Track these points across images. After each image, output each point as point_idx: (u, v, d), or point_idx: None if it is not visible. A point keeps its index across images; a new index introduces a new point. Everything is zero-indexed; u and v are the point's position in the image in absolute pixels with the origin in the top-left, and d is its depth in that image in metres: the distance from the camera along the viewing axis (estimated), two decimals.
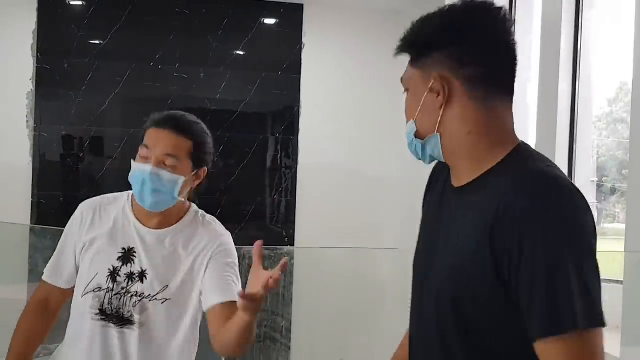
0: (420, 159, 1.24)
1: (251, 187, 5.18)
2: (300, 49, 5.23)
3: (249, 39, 5.13)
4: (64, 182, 4.89)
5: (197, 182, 1.76)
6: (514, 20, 1.23)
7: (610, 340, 3.10)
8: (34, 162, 4.81)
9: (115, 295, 1.69)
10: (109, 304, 1.68)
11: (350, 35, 5.33)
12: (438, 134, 1.16)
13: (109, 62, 4.92)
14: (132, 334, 1.68)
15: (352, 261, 4.37)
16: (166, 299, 1.70)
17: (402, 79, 1.25)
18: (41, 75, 4.83)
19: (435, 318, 1.16)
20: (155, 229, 1.74)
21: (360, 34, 5.34)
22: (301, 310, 4.54)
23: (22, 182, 4.75)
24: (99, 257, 1.72)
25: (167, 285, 1.70)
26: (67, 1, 4.90)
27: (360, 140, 5.26)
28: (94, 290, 1.70)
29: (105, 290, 1.69)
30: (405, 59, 1.24)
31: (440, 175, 1.29)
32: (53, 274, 1.79)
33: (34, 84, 4.82)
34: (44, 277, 1.81)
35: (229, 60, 5.11)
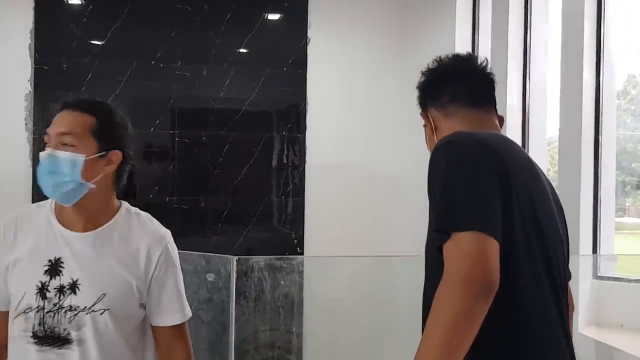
0: None
1: (258, 188, 5.03)
2: (306, 44, 5.07)
3: (253, 34, 4.98)
4: None
5: (109, 168, 1.54)
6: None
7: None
8: (33, 165, 4.68)
9: (47, 313, 1.48)
10: (40, 324, 1.48)
11: (358, 27, 5.18)
12: None
13: (109, 62, 4.78)
14: (73, 355, 1.48)
15: (366, 269, 4.16)
16: (105, 309, 1.49)
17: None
18: (39, 76, 4.70)
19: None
20: (83, 232, 1.54)
21: (367, 26, 5.19)
22: (313, 321, 4.35)
23: (22, 186, 4.61)
24: (24, 274, 1.52)
25: (104, 294, 1.49)
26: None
27: (371, 137, 5.11)
28: (25, 312, 1.49)
29: (36, 309, 1.49)
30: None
31: None
32: None
33: (32, 85, 4.68)
34: None
35: (232, 57, 4.96)
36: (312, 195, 5.07)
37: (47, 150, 1.49)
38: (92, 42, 4.79)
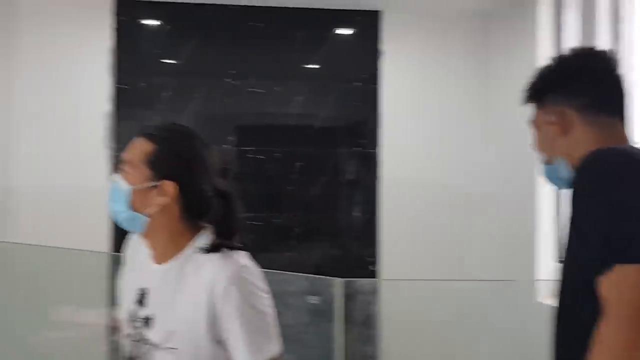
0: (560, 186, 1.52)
1: (329, 205, 4.98)
2: (379, 58, 5.00)
3: (324, 49, 4.96)
4: None
5: (162, 200, 1.45)
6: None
7: None
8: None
9: (134, 342, 1.51)
10: (130, 352, 1.51)
11: (433, 40, 5.07)
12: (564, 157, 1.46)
13: (183, 80, 4.87)
14: None
15: (447, 294, 3.99)
16: (173, 348, 1.44)
17: (531, 122, 1.54)
18: (118, 95, 4.83)
19: None
20: (159, 264, 1.51)
21: (443, 39, 5.07)
22: (392, 344, 4.22)
23: (101, 203, 4.74)
24: (125, 298, 1.58)
25: (173, 331, 1.44)
26: (143, 20, 4.88)
27: (446, 152, 4.98)
28: (125, 335, 1.56)
29: (129, 337, 1.53)
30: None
31: None
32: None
33: (112, 104, 4.82)
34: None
35: (303, 73, 4.96)
36: (386, 213, 4.98)
37: (113, 175, 1.51)
38: (168, 61, 4.89)
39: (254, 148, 4.91)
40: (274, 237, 4.86)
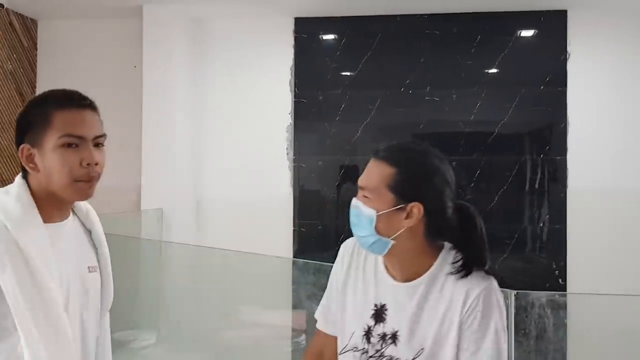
0: None
1: (512, 215, 4.73)
2: (565, 60, 4.69)
3: (505, 53, 4.75)
4: (321, 211, 4.98)
5: (409, 222, 1.40)
6: None
7: None
8: (294, 192, 4.99)
9: (370, 357, 1.47)
10: None
11: (624, 39, 4.67)
12: None
13: (360, 92, 4.94)
14: None
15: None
16: None
17: None
18: (298, 108, 5.02)
19: None
20: (403, 281, 1.46)
21: (635, 37, 4.63)
22: None
23: (285, 212, 4.96)
24: (354, 313, 1.52)
25: (422, 349, 1.41)
26: (320, 35, 5.04)
27: None
28: (352, 350, 1.50)
29: (362, 351, 1.48)
30: None
31: None
32: (324, 322, 1.64)
33: (293, 117, 5.01)
34: (317, 325, 1.66)
35: (483, 79, 4.79)
36: (575, 224, 4.62)
37: (353, 200, 1.47)
38: (345, 73, 4.99)
39: None
40: None
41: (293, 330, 3.85)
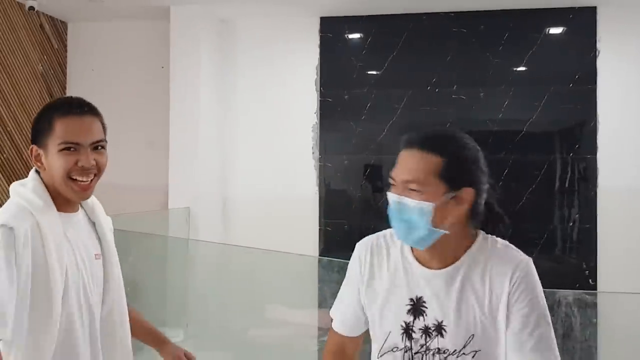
0: None
1: (541, 214, 4.67)
2: (595, 57, 4.62)
3: (533, 51, 4.69)
4: (347, 210, 4.98)
5: (461, 208, 1.38)
6: None
7: None
8: (319, 191, 4.99)
9: (415, 354, 1.42)
10: None
11: None
12: None
13: (386, 90, 4.92)
14: None
15: None
16: (476, 351, 1.37)
17: None
18: (324, 107, 5.02)
19: None
20: (440, 268, 1.42)
21: None
22: None
23: (311, 211, 4.97)
24: (387, 312, 1.47)
25: (472, 335, 1.37)
26: (345, 35, 5.03)
27: None
28: (392, 350, 1.45)
29: (403, 350, 1.43)
30: None
31: None
32: (341, 324, 1.60)
33: (318, 116, 5.02)
34: (333, 326, 1.63)
35: (511, 77, 4.73)
36: (606, 223, 4.54)
37: (394, 197, 1.40)
38: (370, 72, 4.97)
39: None
40: None
41: (319, 329, 3.85)
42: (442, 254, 1.42)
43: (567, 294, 3.43)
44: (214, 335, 4.06)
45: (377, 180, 4.93)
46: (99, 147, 1.60)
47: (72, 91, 5.31)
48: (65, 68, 5.44)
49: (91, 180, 1.58)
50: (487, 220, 1.47)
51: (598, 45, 4.63)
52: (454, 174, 1.37)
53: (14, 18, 4.78)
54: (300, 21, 5.06)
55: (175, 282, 4.43)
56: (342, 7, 4.82)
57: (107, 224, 1.74)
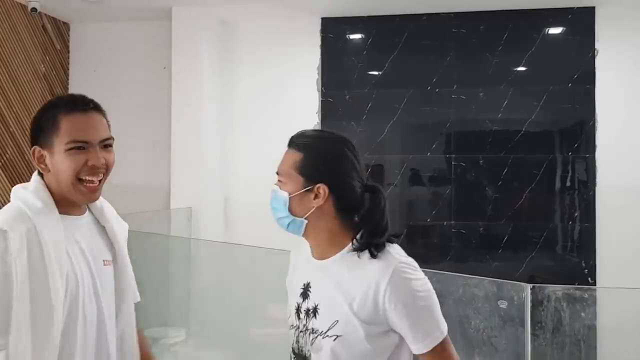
0: None
1: (540, 212, 4.70)
2: (594, 57, 4.65)
3: (532, 51, 4.72)
4: None
5: (317, 202, 1.52)
6: None
7: None
8: None
9: (300, 333, 1.58)
10: (296, 342, 1.59)
11: None
12: None
13: (386, 91, 4.95)
14: None
15: None
16: (337, 336, 1.49)
17: None
18: (326, 108, 5.05)
19: None
20: (321, 259, 1.58)
21: None
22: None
23: None
24: (291, 294, 1.66)
25: (337, 320, 1.49)
26: (346, 35, 5.06)
27: None
28: (290, 328, 1.63)
29: (295, 328, 1.60)
30: None
31: None
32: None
33: (320, 117, 5.05)
34: None
35: (510, 77, 4.76)
36: (605, 221, 4.57)
37: (273, 186, 1.59)
38: (371, 73, 5.00)
39: (458, 155, 4.81)
40: (480, 245, 4.70)
41: None
42: (319, 246, 1.58)
43: (556, 289, 3.45)
44: (216, 335, 4.09)
45: (378, 180, 4.96)
46: (107, 146, 1.54)
47: (74, 92, 5.32)
48: (68, 69, 5.48)
49: (100, 180, 1.53)
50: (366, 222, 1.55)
51: (597, 45, 4.66)
52: (309, 170, 1.54)
53: (17, 19, 4.81)
54: (301, 22, 5.08)
55: (177, 281, 4.46)
56: (343, 7, 4.85)
57: (121, 231, 1.67)
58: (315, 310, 1.55)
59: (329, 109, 5.05)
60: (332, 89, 5.04)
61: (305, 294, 1.58)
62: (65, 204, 1.53)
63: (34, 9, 4.73)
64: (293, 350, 1.59)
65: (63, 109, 1.50)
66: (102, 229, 1.63)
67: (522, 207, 4.67)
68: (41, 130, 1.51)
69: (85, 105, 1.52)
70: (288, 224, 1.57)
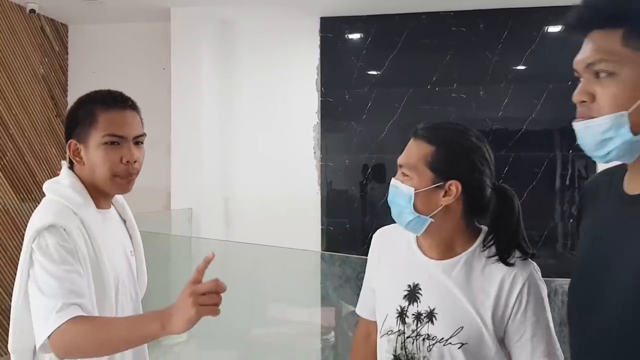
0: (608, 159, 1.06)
1: (541, 211, 4.70)
2: None
3: (532, 49, 4.72)
4: (349, 209, 5.00)
5: (446, 200, 1.40)
6: None
7: None
8: (321, 191, 5.02)
9: (407, 338, 1.45)
10: (402, 348, 1.45)
11: None
12: None
13: (386, 90, 4.94)
14: None
15: None
16: (462, 344, 1.38)
17: (593, 60, 1.02)
18: (325, 108, 5.04)
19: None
20: (439, 259, 1.45)
21: None
22: None
23: (313, 210, 4.99)
24: (388, 296, 1.52)
25: (461, 327, 1.38)
26: (346, 35, 5.06)
27: None
28: (387, 333, 1.49)
29: (397, 333, 1.46)
30: None
31: (599, 188, 1.19)
32: (362, 307, 1.69)
33: (319, 116, 5.04)
34: (356, 310, 1.71)
35: (510, 75, 4.76)
36: None
37: (393, 180, 1.47)
38: (371, 72, 5.00)
39: None
40: None
41: (322, 327, 3.87)
42: (440, 244, 1.45)
43: (563, 283, 3.44)
44: (217, 334, 4.08)
45: (378, 179, 4.95)
46: (140, 143, 1.59)
47: (73, 93, 5.33)
48: (67, 70, 5.47)
49: (133, 174, 1.58)
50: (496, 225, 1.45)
51: None
52: (442, 165, 1.40)
53: (15, 21, 4.80)
54: (300, 22, 5.08)
55: (178, 281, 4.44)
56: (342, 7, 4.84)
57: (134, 221, 1.75)
58: (431, 315, 1.42)
59: (329, 109, 5.04)
60: (332, 89, 5.04)
61: (413, 297, 1.45)
62: (97, 195, 1.57)
63: (32, 11, 4.72)
64: (398, 357, 1.46)
65: (102, 103, 1.55)
66: (123, 222, 1.71)
67: (523, 205, 4.61)
68: (77, 123, 1.55)
69: (124, 102, 1.57)
70: (409, 221, 1.43)
